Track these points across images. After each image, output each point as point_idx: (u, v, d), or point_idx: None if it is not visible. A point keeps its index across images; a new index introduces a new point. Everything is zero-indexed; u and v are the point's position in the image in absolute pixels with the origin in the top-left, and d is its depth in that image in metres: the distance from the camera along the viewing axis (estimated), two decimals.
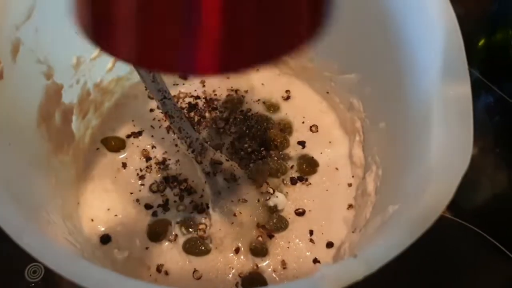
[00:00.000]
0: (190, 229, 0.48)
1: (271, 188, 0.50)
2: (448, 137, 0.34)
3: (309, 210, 0.50)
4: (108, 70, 0.52)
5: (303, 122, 0.56)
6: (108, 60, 0.51)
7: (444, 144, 0.34)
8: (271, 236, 0.48)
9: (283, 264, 0.47)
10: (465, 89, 0.35)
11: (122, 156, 0.53)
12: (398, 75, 0.42)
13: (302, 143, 0.55)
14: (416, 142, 0.38)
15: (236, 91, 0.58)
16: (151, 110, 0.56)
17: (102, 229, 0.49)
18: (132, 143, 0.54)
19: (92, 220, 0.49)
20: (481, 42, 0.72)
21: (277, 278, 0.47)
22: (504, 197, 0.59)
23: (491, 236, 0.54)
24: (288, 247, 0.48)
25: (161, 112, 0.45)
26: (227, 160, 0.49)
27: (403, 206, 0.36)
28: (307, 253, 0.48)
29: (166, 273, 0.46)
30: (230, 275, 0.47)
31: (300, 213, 0.50)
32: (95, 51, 0.49)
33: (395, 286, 0.50)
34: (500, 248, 0.53)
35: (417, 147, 0.37)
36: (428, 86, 0.37)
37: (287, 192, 0.51)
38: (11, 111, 0.37)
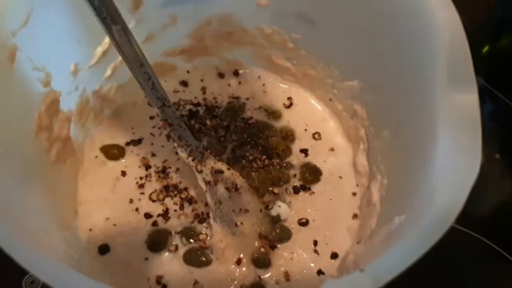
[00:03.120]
0: (191, 239, 0.47)
1: (274, 197, 0.49)
2: (455, 146, 0.33)
3: (313, 220, 0.49)
4: (107, 77, 0.51)
5: (305, 130, 0.55)
6: (107, 67, 0.50)
7: (452, 153, 0.33)
8: (273, 247, 0.47)
9: (286, 275, 0.46)
10: (472, 96, 0.34)
11: (121, 164, 0.52)
12: (402, 81, 0.41)
13: (304, 151, 0.54)
14: (422, 151, 0.37)
15: (237, 98, 0.57)
16: (151, 118, 0.55)
17: (101, 239, 0.47)
18: (132, 151, 0.53)
19: (91, 230, 0.48)
20: (485, 49, 0.72)
21: None
22: (509, 206, 0.58)
23: (497, 245, 0.53)
24: (291, 258, 0.47)
25: (161, 120, 0.44)
26: (228, 169, 0.48)
27: (410, 217, 0.35)
28: (311, 265, 0.47)
29: (165, 285, 0.45)
30: (232, 287, 0.45)
31: (303, 223, 0.49)
32: (93, 58, 0.48)
33: None
34: (506, 257, 0.52)
35: (423, 156, 0.36)
36: (433, 92, 0.36)
37: (290, 202, 0.50)
38: (7, 119, 0.36)
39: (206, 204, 0.49)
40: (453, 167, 0.33)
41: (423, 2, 0.37)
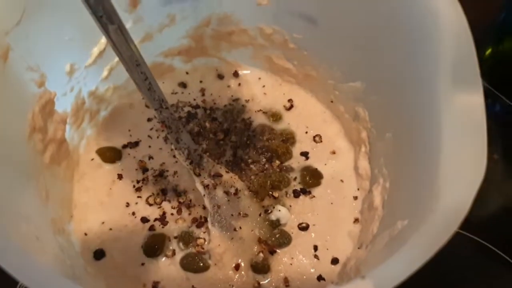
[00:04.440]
0: (188, 244, 0.46)
1: (274, 201, 0.48)
2: (460, 149, 0.32)
3: (313, 225, 0.48)
4: (103, 78, 0.50)
5: (306, 132, 0.54)
6: (103, 68, 0.49)
7: (456, 156, 0.32)
8: (273, 252, 0.46)
9: (286, 281, 0.45)
10: (477, 98, 0.33)
11: (117, 167, 0.51)
12: (405, 82, 0.40)
13: (305, 154, 0.53)
14: (425, 154, 0.36)
15: (237, 100, 0.56)
16: (149, 120, 0.54)
17: (96, 243, 0.46)
18: (129, 154, 0.52)
19: (86, 234, 0.47)
20: (488, 51, 0.71)
21: None
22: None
23: (499, 249, 0.52)
24: (291, 264, 0.46)
25: (158, 122, 0.43)
26: (227, 172, 0.47)
27: (413, 221, 0.34)
28: (311, 270, 0.46)
29: None
30: None
31: (303, 227, 0.48)
32: (90, 58, 0.47)
33: None
34: (509, 262, 0.51)
35: (427, 159, 0.35)
36: (438, 94, 0.35)
37: (290, 206, 0.49)
38: (1, 120, 0.35)
39: (204, 208, 0.48)
40: (457, 171, 0.32)
41: (428, 2, 0.36)
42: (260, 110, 0.56)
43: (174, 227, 0.47)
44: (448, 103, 0.34)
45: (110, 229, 0.47)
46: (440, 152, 0.33)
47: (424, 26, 0.36)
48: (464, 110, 0.33)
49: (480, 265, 0.52)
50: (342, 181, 0.51)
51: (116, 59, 0.49)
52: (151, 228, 0.47)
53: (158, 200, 0.49)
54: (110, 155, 0.51)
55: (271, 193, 0.49)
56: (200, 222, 0.47)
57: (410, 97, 0.39)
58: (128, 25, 0.45)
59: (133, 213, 0.48)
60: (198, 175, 0.45)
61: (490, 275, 0.52)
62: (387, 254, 0.35)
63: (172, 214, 0.48)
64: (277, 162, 0.51)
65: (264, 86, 0.58)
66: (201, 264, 0.45)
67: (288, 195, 0.50)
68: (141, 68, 0.39)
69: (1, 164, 0.34)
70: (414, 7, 0.37)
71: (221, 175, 0.46)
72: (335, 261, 0.46)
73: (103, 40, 0.46)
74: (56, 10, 0.40)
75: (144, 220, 0.48)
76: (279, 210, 0.47)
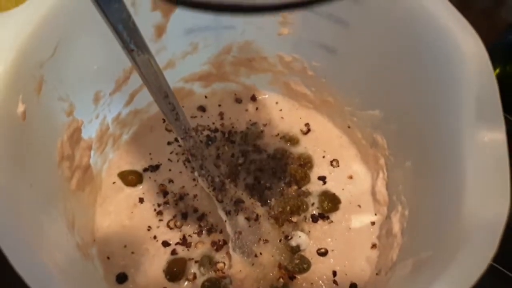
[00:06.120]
0: (209, 268, 0.47)
1: (293, 226, 0.49)
2: (484, 184, 0.33)
3: (332, 250, 0.49)
4: (126, 104, 0.51)
5: (323, 157, 0.55)
6: (126, 94, 0.50)
7: (481, 191, 0.33)
8: (292, 278, 0.47)
9: None
10: (500, 134, 0.34)
11: (139, 190, 0.52)
12: (426, 113, 0.41)
13: (322, 178, 0.53)
14: (447, 186, 0.36)
15: (255, 124, 0.57)
16: (169, 143, 0.55)
17: (119, 267, 0.47)
18: (149, 177, 0.53)
19: (108, 258, 0.47)
20: (496, 72, 0.71)
21: None
22: None
23: (504, 267, 0.52)
24: None
25: (183, 149, 0.44)
26: (249, 198, 0.48)
27: (438, 253, 0.35)
28: None
29: None
30: None
31: (322, 253, 0.48)
32: (113, 85, 0.48)
33: None
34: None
35: (448, 191, 0.36)
36: (460, 128, 0.35)
37: (309, 231, 0.49)
38: (32, 151, 0.36)
39: (221, 232, 0.49)
40: (483, 206, 0.32)
41: (449, 33, 0.37)
42: (278, 134, 0.56)
43: (194, 251, 0.48)
44: (471, 137, 0.34)
45: (132, 252, 0.48)
46: (464, 184, 0.33)
47: (447, 58, 0.37)
48: (487, 145, 0.34)
49: (484, 282, 0.52)
50: (359, 206, 0.52)
51: (139, 84, 0.50)
52: (173, 252, 0.48)
53: (178, 223, 0.49)
54: (131, 178, 0.52)
55: (290, 218, 0.50)
56: (219, 246, 0.48)
57: (431, 129, 0.40)
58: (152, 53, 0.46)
59: (155, 237, 0.49)
60: (221, 201, 0.46)
61: None
62: (413, 283, 0.35)
63: (192, 237, 0.49)
64: (295, 187, 0.52)
65: (281, 110, 0.59)
66: None
67: (306, 220, 0.50)
68: (169, 99, 0.40)
69: (34, 194, 0.35)
70: (436, 39, 0.38)
71: (243, 201, 0.47)
72: (353, 286, 0.47)
73: (128, 68, 0.47)
74: (88, 40, 0.41)
75: (166, 244, 0.48)
76: (300, 236, 0.48)
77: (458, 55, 0.36)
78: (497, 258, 0.51)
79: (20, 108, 0.34)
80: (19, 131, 0.34)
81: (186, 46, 0.51)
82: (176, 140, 0.55)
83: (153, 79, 0.38)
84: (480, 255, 0.30)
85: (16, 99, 0.34)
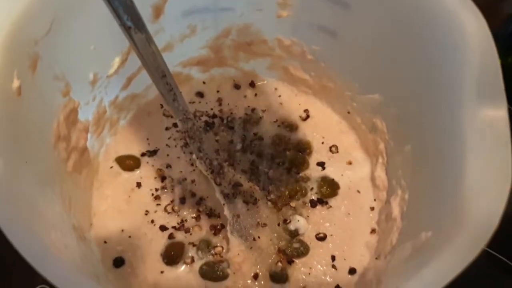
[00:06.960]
0: (207, 252, 0.47)
1: (291, 211, 0.49)
2: (485, 162, 0.33)
3: (331, 235, 0.48)
4: (123, 87, 0.51)
5: (322, 143, 0.55)
6: (124, 77, 0.50)
7: (481, 170, 0.32)
8: (291, 262, 0.46)
9: None
10: (501, 112, 0.34)
11: (136, 175, 0.52)
12: (427, 95, 0.40)
13: (321, 164, 0.53)
14: (447, 167, 0.36)
15: (254, 110, 0.57)
16: (167, 129, 0.55)
17: (116, 251, 0.47)
18: (147, 162, 0.52)
19: (105, 242, 0.47)
20: None
21: None
22: None
23: (507, 257, 0.52)
24: (309, 273, 0.46)
25: (181, 132, 0.44)
26: (248, 182, 0.47)
27: (438, 233, 0.34)
28: (329, 280, 0.46)
29: None
30: None
31: (321, 237, 0.48)
32: (112, 68, 0.47)
33: None
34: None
35: (449, 172, 0.35)
36: (461, 108, 0.35)
37: (308, 216, 0.49)
38: (28, 129, 0.35)
39: (219, 217, 0.48)
40: (483, 185, 0.32)
41: (451, 15, 0.36)
42: (276, 120, 0.56)
43: (192, 235, 0.48)
44: (472, 116, 0.34)
45: (130, 237, 0.47)
46: (465, 165, 0.33)
47: (449, 39, 0.36)
48: (488, 123, 0.33)
49: (486, 272, 0.52)
50: (358, 191, 0.51)
51: (137, 68, 0.50)
52: (170, 236, 0.47)
53: (176, 208, 0.49)
54: (129, 163, 0.52)
55: (288, 203, 0.49)
56: (217, 230, 0.48)
57: (431, 111, 0.40)
58: None
59: (152, 221, 0.48)
60: (219, 184, 0.46)
61: (495, 283, 0.52)
62: (412, 265, 0.35)
63: (190, 221, 0.48)
64: (294, 172, 0.52)
65: (280, 96, 0.58)
66: (220, 273, 0.45)
67: (305, 205, 0.50)
68: (166, 79, 0.39)
69: (29, 173, 0.34)
70: (438, 20, 0.37)
71: (241, 185, 0.47)
72: (352, 271, 0.47)
73: (125, 49, 0.47)
74: (85, 19, 0.40)
75: (163, 228, 0.48)
76: (298, 221, 0.48)
77: (461, 34, 0.36)
78: (493, 244, 0.51)
79: (15, 83, 0.33)
80: (15, 107, 0.33)
81: (184, 29, 0.50)
82: (174, 125, 0.54)
83: (151, 58, 0.38)
84: (479, 233, 0.29)
85: (11, 74, 0.33)
